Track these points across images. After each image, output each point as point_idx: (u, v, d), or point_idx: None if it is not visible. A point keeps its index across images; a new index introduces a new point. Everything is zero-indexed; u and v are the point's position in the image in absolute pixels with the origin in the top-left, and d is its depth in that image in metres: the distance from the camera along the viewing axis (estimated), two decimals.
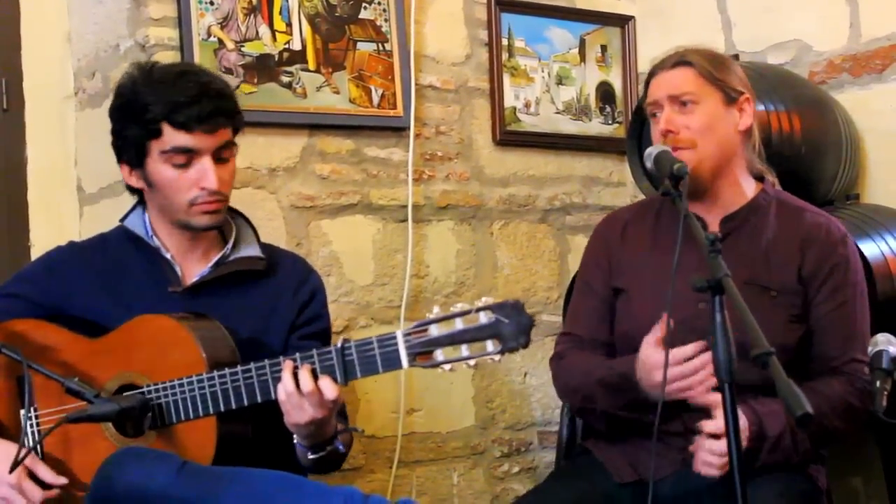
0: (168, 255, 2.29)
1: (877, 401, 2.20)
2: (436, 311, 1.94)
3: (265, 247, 2.38)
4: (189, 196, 2.19)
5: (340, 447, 2.12)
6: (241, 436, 2.11)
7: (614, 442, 2.40)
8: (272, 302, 2.31)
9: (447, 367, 1.92)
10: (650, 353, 2.19)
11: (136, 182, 2.26)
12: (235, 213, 2.39)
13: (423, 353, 1.93)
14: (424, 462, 3.24)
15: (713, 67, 2.41)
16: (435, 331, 1.92)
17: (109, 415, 2.05)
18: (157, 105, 2.15)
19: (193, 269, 2.29)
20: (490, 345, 1.90)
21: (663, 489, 2.28)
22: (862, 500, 3.26)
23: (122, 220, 2.35)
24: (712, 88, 2.39)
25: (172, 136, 2.16)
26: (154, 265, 2.29)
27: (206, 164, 2.17)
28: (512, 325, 1.89)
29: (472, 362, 1.91)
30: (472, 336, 1.90)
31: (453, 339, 1.91)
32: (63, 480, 2.12)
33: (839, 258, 2.37)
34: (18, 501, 2.07)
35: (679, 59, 2.43)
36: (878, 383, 2.23)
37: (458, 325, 1.91)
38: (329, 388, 1.99)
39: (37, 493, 2.09)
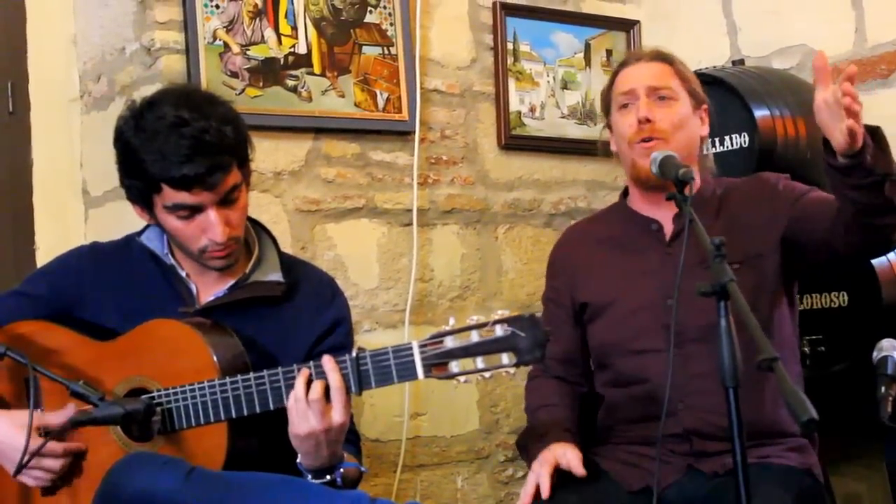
0: (183, 273, 2.26)
1: (881, 407, 2.20)
2: (451, 323, 1.94)
3: (288, 264, 2.32)
4: (199, 245, 2.15)
5: (339, 480, 2.08)
6: (251, 446, 2.10)
7: (621, 452, 2.40)
8: (288, 329, 2.25)
9: (462, 379, 1.92)
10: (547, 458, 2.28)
11: (149, 220, 2.23)
12: (260, 228, 2.35)
13: (438, 364, 1.93)
14: (429, 466, 3.24)
15: (685, 70, 2.47)
16: (450, 342, 1.92)
17: (114, 418, 2.04)
18: (152, 165, 2.07)
19: (210, 288, 2.25)
20: (505, 358, 1.90)
21: (670, 495, 2.28)
22: None
23: (139, 234, 2.31)
24: (684, 90, 2.44)
25: (172, 195, 2.10)
26: (169, 282, 2.26)
27: (210, 216, 2.12)
28: (528, 339, 1.89)
29: (487, 374, 1.91)
30: (488, 349, 1.91)
31: (469, 352, 1.91)
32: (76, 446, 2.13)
33: (781, 181, 2.40)
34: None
35: (657, 55, 2.47)
36: (882, 389, 2.22)
37: (474, 337, 1.91)
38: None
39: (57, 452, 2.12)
